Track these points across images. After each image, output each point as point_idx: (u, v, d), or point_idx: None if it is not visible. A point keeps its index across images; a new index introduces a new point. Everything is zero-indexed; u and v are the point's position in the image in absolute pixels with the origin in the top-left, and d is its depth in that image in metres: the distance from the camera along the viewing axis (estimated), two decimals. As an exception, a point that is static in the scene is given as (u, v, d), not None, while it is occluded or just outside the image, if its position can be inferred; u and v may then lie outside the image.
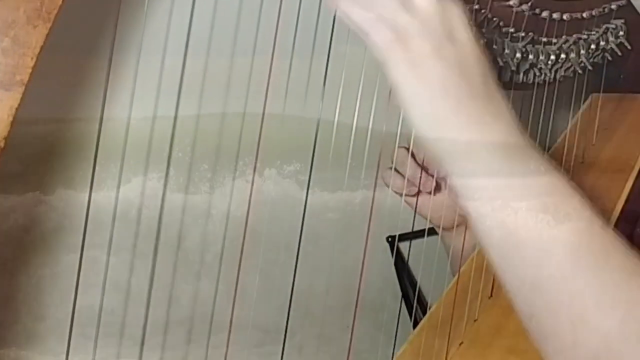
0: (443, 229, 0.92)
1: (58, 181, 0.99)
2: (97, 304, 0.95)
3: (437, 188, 0.88)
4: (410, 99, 0.50)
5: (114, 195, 1.00)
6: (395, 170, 0.86)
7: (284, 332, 0.73)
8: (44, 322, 1.00)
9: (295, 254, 0.71)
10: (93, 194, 0.61)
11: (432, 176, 0.86)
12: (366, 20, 0.50)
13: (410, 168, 0.85)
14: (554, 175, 0.52)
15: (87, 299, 0.87)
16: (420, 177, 0.85)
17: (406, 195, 0.86)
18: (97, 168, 0.91)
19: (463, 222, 0.91)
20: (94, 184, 0.78)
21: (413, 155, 0.85)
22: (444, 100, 0.50)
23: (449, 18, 0.50)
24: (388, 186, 0.86)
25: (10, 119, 0.53)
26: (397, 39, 0.49)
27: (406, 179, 0.85)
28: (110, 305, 1.01)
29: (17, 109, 0.53)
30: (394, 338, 0.81)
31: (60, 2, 0.54)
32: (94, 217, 0.79)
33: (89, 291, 0.89)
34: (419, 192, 0.87)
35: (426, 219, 0.89)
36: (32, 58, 0.54)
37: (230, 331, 0.74)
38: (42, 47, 0.54)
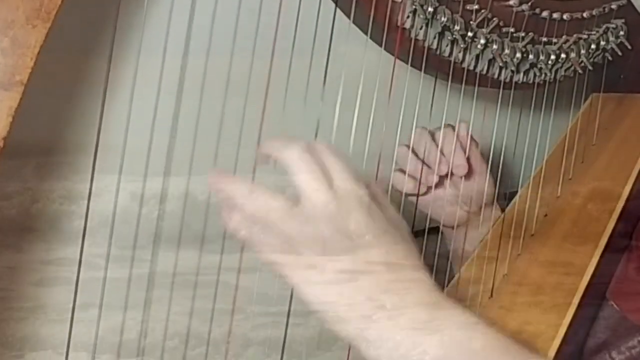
0: (444, 225, 0.92)
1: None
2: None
3: (439, 183, 0.88)
4: None
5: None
6: (398, 169, 0.87)
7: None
8: None
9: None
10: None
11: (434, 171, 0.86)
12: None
13: (411, 164, 0.86)
14: None
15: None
16: (421, 171, 0.85)
17: (408, 194, 0.86)
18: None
19: (465, 219, 0.91)
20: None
21: (414, 152, 0.86)
22: None
23: None
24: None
25: (10, 119, 0.53)
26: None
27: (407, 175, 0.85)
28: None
29: (16, 109, 0.53)
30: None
31: (59, 1, 0.54)
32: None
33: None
34: (419, 189, 0.87)
35: (427, 215, 0.89)
36: (31, 58, 0.54)
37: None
38: (41, 47, 0.54)
